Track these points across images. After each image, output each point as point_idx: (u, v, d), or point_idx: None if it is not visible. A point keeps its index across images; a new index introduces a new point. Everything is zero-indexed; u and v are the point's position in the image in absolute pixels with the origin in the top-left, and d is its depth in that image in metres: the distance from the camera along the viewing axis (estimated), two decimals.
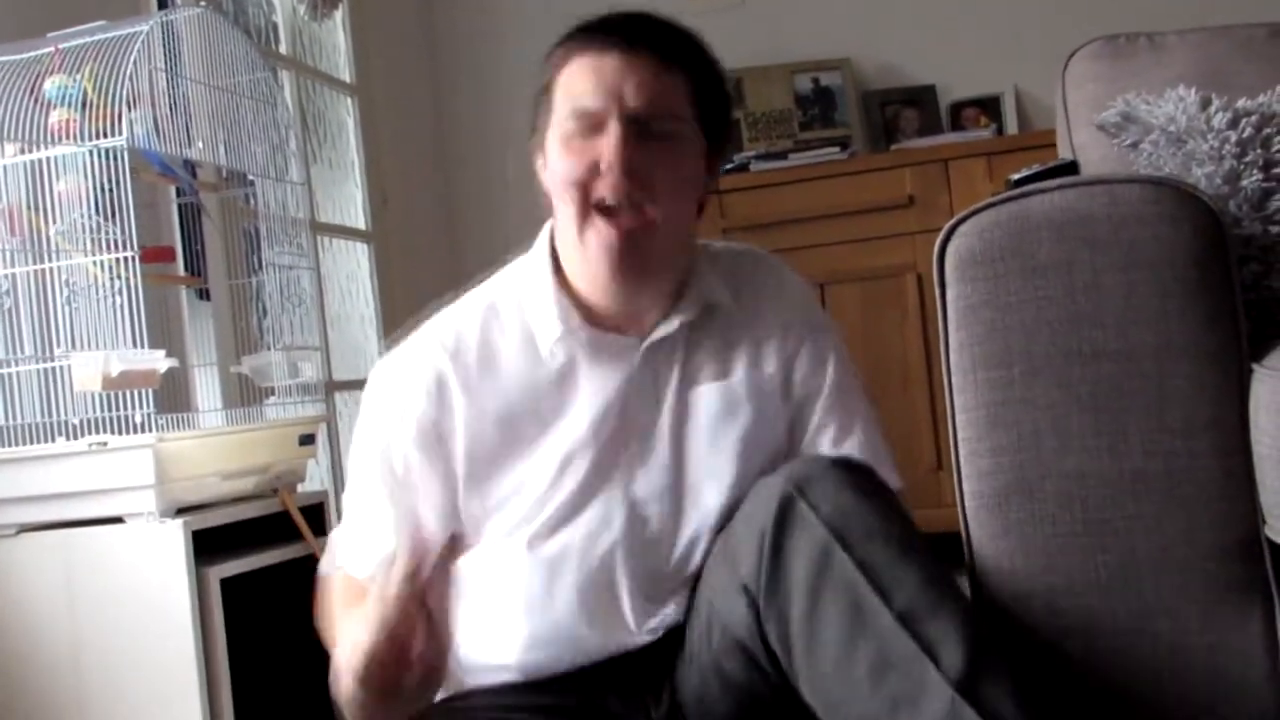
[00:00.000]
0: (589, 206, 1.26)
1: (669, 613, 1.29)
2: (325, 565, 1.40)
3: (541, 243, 1.37)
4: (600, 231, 1.26)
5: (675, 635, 1.30)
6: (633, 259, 1.26)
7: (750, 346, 1.34)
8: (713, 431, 1.30)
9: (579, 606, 1.27)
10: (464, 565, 1.34)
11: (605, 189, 1.24)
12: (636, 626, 1.28)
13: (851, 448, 1.32)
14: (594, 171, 1.25)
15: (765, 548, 1.13)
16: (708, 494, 1.29)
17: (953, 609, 1.07)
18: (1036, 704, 1.04)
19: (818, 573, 1.10)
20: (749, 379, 1.32)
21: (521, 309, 1.35)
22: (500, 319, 1.35)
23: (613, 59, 1.25)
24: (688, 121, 1.28)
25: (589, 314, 1.32)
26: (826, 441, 1.33)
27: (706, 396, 1.32)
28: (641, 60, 1.25)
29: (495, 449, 1.30)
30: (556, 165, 1.29)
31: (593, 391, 1.31)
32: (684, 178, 1.28)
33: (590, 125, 1.26)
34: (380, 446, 1.35)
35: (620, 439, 1.30)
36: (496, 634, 1.30)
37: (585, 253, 1.28)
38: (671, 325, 1.31)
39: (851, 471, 1.16)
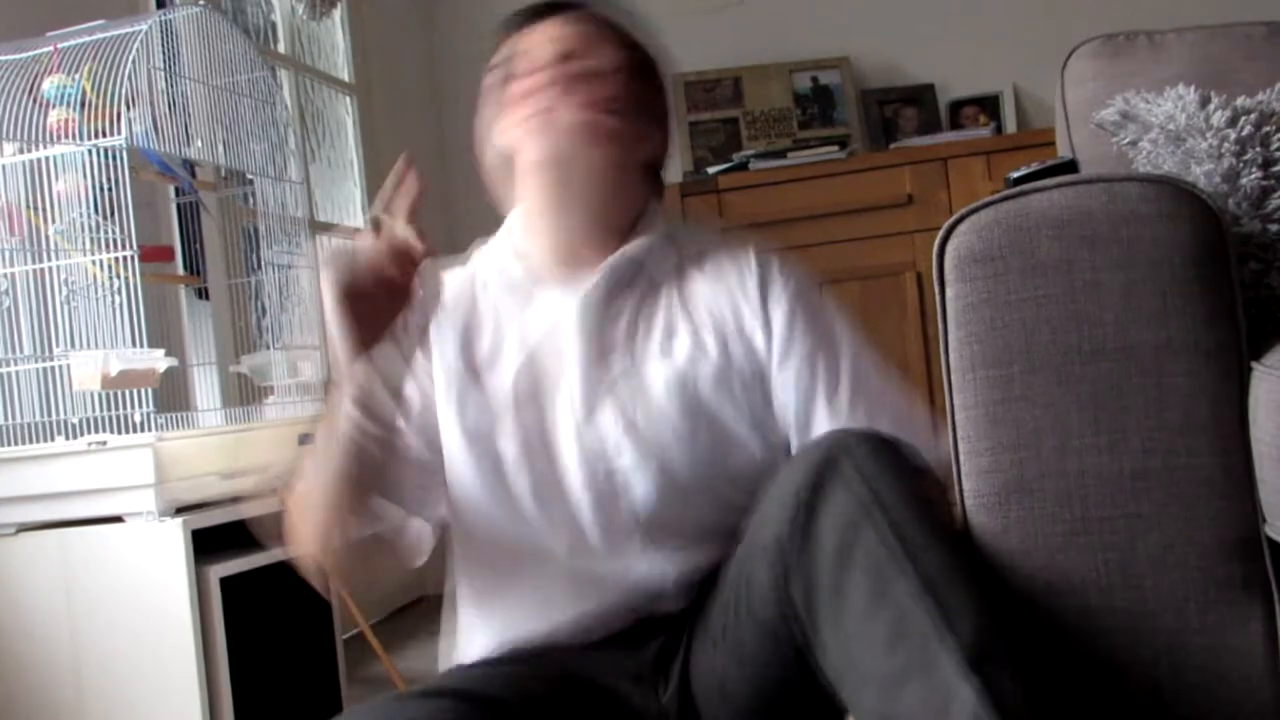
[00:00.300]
0: (534, 112, 1.35)
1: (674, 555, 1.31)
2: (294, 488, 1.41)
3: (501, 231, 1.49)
4: (521, 105, 1.36)
5: (681, 621, 1.31)
6: (574, 150, 1.34)
7: (716, 312, 1.38)
8: (675, 386, 1.34)
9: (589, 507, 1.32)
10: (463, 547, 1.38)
11: (539, 95, 1.34)
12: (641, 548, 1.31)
13: (886, 418, 1.34)
14: (541, 81, 1.35)
15: (802, 497, 1.13)
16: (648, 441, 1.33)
17: (971, 588, 1.08)
18: (1040, 688, 1.04)
19: (850, 530, 1.10)
20: (716, 342, 1.36)
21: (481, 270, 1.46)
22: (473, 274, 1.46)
23: (539, 27, 1.39)
24: (618, 73, 1.37)
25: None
26: (860, 405, 1.36)
27: (652, 366, 1.35)
28: (567, 21, 1.39)
29: (456, 374, 1.37)
30: (498, 115, 1.41)
31: (539, 321, 1.38)
32: (619, 101, 1.35)
33: (530, 69, 1.37)
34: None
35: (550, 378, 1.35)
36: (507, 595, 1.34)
37: (533, 171, 1.37)
38: (605, 279, 1.37)
39: (892, 446, 1.17)
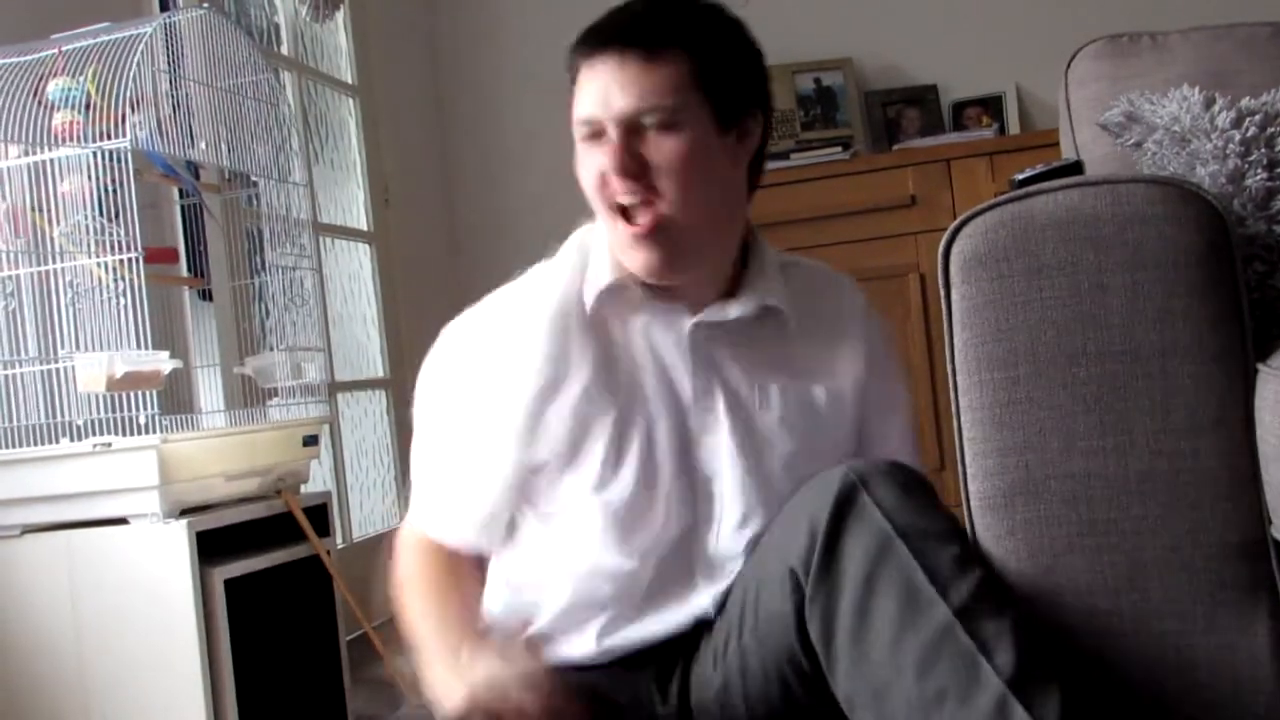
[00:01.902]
0: (611, 210, 1.30)
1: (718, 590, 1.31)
2: (404, 528, 1.44)
3: (574, 242, 1.41)
4: (621, 232, 1.30)
5: (686, 637, 1.31)
6: (660, 251, 1.29)
7: (826, 360, 1.38)
8: (789, 428, 1.33)
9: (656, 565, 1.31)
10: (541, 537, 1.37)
11: (613, 194, 1.28)
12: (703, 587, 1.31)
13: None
14: (605, 178, 1.28)
15: (820, 534, 1.13)
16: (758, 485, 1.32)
17: (1007, 614, 1.08)
18: (1081, 711, 1.04)
19: (875, 562, 1.11)
20: (827, 394, 1.36)
21: (558, 284, 1.37)
22: (537, 296, 1.38)
23: (604, 66, 1.28)
24: (685, 107, 1.27)
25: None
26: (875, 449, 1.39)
27: (783, 394, 1.35)
28: (630, 59, 1.26)
29: (538, 397, 1.32)
30: (580, 174, 1.33)
31: (634, 346, 1.35)
32: (691, 163, 1.28)
33: (593, 134, 1.29)
34: (456, 399, 1.39)
35: (671, 403, 1.33)
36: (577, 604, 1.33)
37: (620, 250, 1.32)
38: (725, 313, 1.34)
39: (911, 476, 1.18)
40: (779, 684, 1.22)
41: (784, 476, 1.31)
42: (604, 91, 1.27)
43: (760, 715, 1.24)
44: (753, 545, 1.30)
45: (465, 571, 1.40)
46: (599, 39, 1.29)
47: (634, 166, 1.26)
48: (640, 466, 1.30)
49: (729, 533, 1.31)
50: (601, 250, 1.36)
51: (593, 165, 1.29)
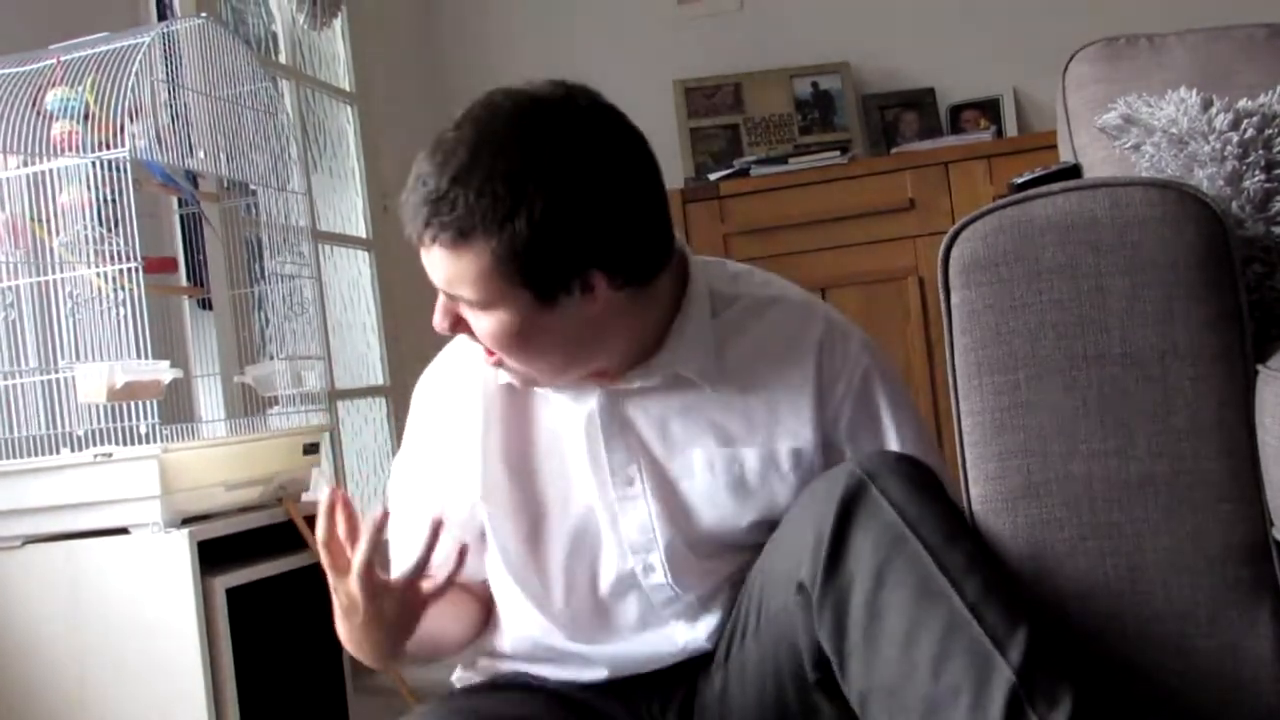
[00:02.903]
0: None
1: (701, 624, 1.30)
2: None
3: None
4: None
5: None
6: (519, 379, 1.27)
7: (763, 422, 1.29)
8: (710, 498, 1.29)
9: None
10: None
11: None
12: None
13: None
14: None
15: (827, 534, 1.12)
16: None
17: (1019, 609, 1.08)
18: (1092, 707, 1.04)
19: (887, 556, 1.09)
20: (759, 458, 1.28)
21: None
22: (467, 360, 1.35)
23: (417, 239, 1.19)
24: (495, 294, 1.16)
25: None
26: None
27: (708, 462, 1.29)
28: (436, 244, 1.16)
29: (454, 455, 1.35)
30: None
31: (551, 417, 1.32)
32: (513, 338, 1.19)
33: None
34: (410, 451, 1.44)
35: (590, 476, 1.30)
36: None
37: None
38: (630, 383, 1.28)
39: (920, 470, 1.17)
40: (776, 690, 1.22)
41: (714, 539, 1.29)
42: (429, 266, 1.20)
43: (760, 717, 1.24)
44: (703, 598, 1.29)
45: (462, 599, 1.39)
46: (408, 212, 1.19)
47: (459, 329, 1.23)
48: (560, 540, 1.31)
49: (668, 598, 1.30)
50: None
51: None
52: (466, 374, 1.34)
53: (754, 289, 1.34)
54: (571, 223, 1.13)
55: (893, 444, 1.30)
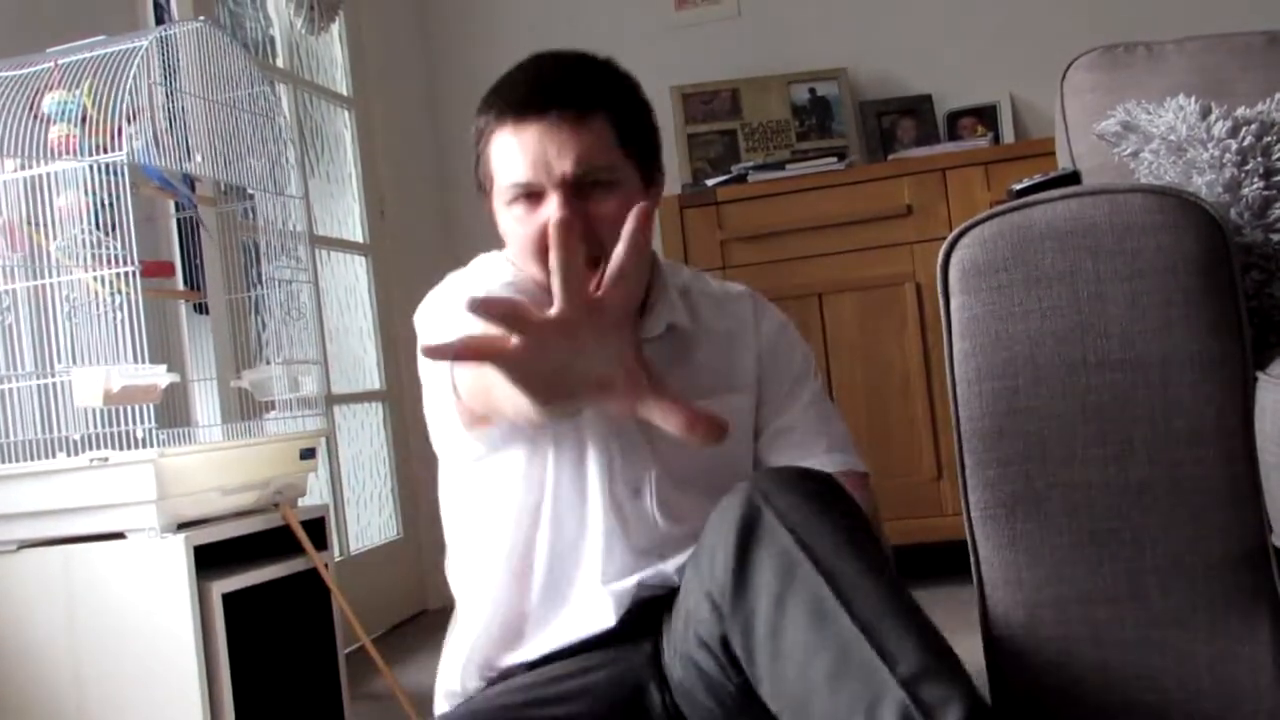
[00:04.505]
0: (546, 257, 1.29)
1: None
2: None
3: (491, 269, 1.45)
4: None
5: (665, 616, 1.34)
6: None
7: (724, 374, 1.42)
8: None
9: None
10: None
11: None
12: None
13: (818, 447, 1.40)
14: (543, 234, 1.27)
15: (730, 557, 1.15)
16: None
17: (909, 620, 1.10)
18: (983, 707, 1.05)
19: (783, 581, 1.12)
20: (728, 408, 1.34)
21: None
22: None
23: (532, 129, 1.29)
24: (618, 165, 1.32)
25: None
26: (792, 442, 1.42)
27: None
28: (558, 122, 1.28)
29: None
30: (510, 231, 1.36)
31: None
32: (619, 218, 1.21)
33: (528, 195, 1.31)
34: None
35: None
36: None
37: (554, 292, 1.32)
38: (640, 334, 1.36)
39: (816, 483, 1.18)
40: (714, 696, 1.24)
41: (701, 482, 1.36)
42: (539, 154, 1.29)
43: (713, 712, 1.26)
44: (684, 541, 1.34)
45: None
46: (523, 102, 1.30)
47: (583, 226, 1.25)
48: (566, 477, 1.36)
49: (655, 527, 1.37)
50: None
51: (531, 227, 1.31)
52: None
53: (681, 273, 1.51)
54: (651, 115, 1.40)
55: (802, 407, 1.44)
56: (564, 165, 1.29)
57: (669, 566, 1.33)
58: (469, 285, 1.43)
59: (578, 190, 1.29)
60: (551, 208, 1.29)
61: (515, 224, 1.34)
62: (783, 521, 1.13)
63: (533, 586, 1.38)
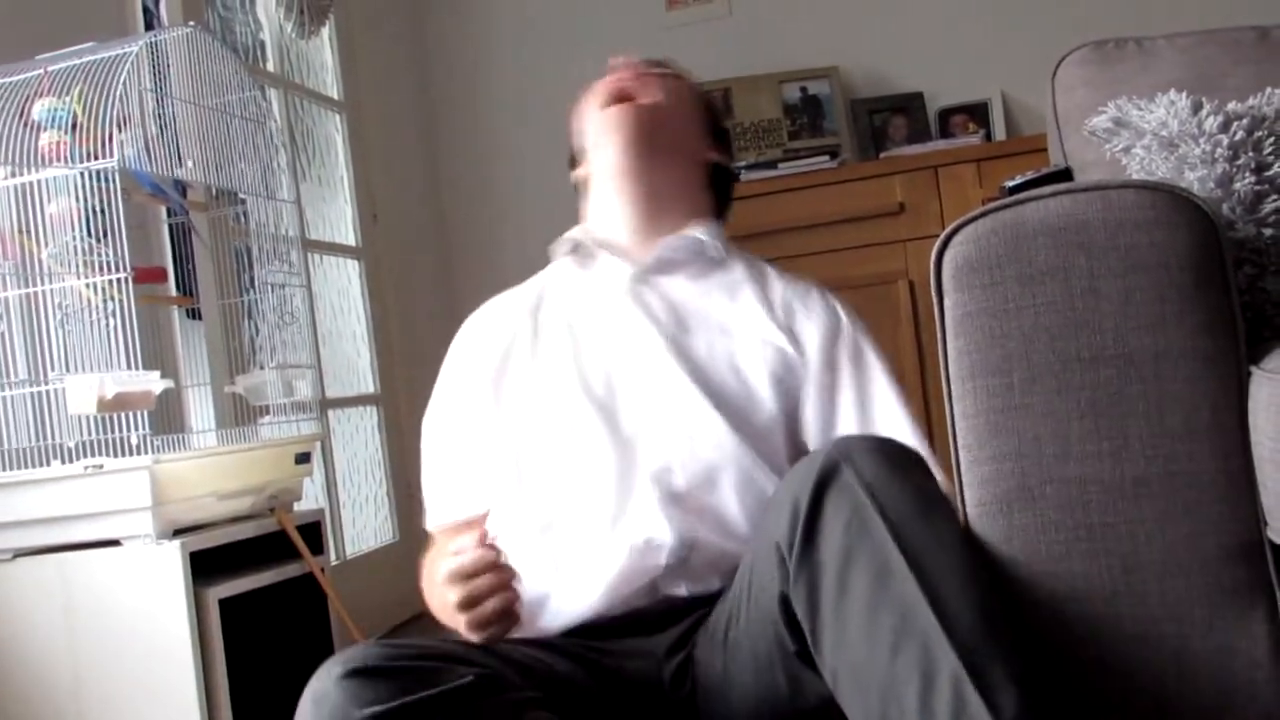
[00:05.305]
0: (608, 103, 1.59)
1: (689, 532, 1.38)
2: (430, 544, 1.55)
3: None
4: (613, 114, 1.58)
5: (695, 613, 1.35)
6: (640, 130, 1.57)
7: (766, 312, 1.54)
8: (714, 373, 1.48)
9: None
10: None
11: (617, 80, 1.60)
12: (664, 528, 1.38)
13: (897, 427, 1.48)
14: (614, 85, 1.61)
15: (802, 511, 1.14)
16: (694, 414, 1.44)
17: (972, 589, 1.08)
18: (1041, 688, 1.04)
19: (854, 536, 1.11)
20: (756, 346, 1.50)
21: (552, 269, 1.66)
22: (540, 278, 1.65)
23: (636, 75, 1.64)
24: (685, 92, 1.67)
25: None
26: (871, 412, 1.51)
27: (709, 346, 1.50)
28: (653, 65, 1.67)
29: (501, 365, 1.54)
30: (585, 132, 1.63)
31: (576, 298, 1.57)
32: (685, 100, 1.65)
33: (617, 98, 1.60)
34: (443, 396, 1.59)
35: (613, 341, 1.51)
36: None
37: (605, 144, 1.59)
38: (657, 254, 1.56)
39: (899, 452, 1.18)
40: (769, 667, 1.24)
41: (721, 403, 1.44)
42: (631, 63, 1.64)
43: (756, 695, 1.26)
44: (701, 469, 1.40)
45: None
46: (623, 59, 1.66)
47: (644, 70, 1.63)
48: (568, 382, 1.47)
49: (668, 446, 1.42)
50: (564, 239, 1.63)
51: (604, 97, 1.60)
52: (503, 311, 1.62)
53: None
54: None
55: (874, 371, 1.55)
56: (640, 66, 1.64)
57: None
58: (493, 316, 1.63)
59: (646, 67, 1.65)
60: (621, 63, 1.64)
61: (586, 121, 1.63)
62: (859, 480, 1.13)
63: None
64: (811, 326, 1.54)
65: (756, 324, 1.53)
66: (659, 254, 1.56)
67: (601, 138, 1.58)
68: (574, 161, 1.68)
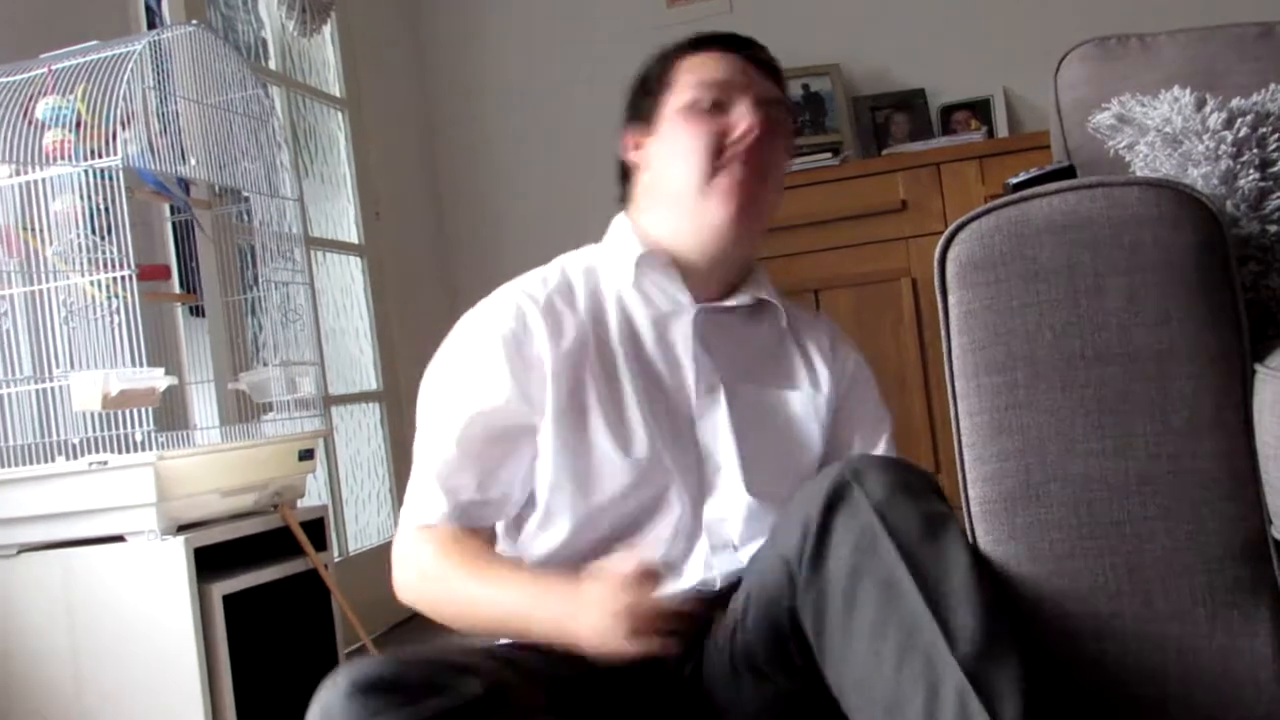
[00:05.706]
0: (721, 157, 1.42)
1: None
2: (402, 536, 1.43)
3: (617, 228, 1.53)
4: (735, 172, 1.42)
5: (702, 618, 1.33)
6: (754, 200, 1.43)
7: (804, 364, 1.52)
8: (763, 424, 1.46)
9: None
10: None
11: (744, 131, 1.42)
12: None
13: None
14: (722, 136, 1.42)
15: (812, 527, 1.15)
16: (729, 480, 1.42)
17: (977, 605, 1.09)
18: (1041, 699, 1.05)
19: (861, 553, 1.12)
20: (806, 399, 1.49)
21: (592, 270, 1.50)
22: (571, 277, 1.49)
23: (734, 56, 1.48)
24: (789, 120, 1.52)
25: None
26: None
27: (759, 394, 1.48)
28: (759, 64, 1.49)
29: (573, 387, 1.41)
30: (681, 132, 1.44)
31: (635, 323, 1.46)
32: (784, 164, 1.51)
33: (718, 98, 1.44)
34: (467, 387, 1.42)
35: (674, 380, 1.45)
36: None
37: (709, 197, 1.42)
38: (726, 302, 1.48)
39: (909, 472, 1.19)
40: (772, 675, 1.24)
41: (771, 463, 1.43)
42: (740, 71, 1.46)
43: (759, 708, 1.27)
44: (754, 522, 1.38)
45: (486, 545, 1.42)
46: (728, 40, 1.50)
47: (759, 148, 1.43)
48: (647, 432, 1.39)
49: (728, 501, 1.40)
50: (626, 236, 1.49)
51: (713, 125, 1.42)
52: (563, 316, 1.45)
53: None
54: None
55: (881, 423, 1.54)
56: (763, 86, 1.46)
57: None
58: (513, 304, 1.45)
59: (764, 112, 1.43)
60: (741, 112, 1.43)
61: (695, 121, 1.43)
62: (869, 499, 1.14)
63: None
64: (836, 374, 1.54)
65: (801, 371, 1.52)
66: (734, 303, 1.49)
67: (717, 198, 1.42)
68: (637, 141, 1.51)
